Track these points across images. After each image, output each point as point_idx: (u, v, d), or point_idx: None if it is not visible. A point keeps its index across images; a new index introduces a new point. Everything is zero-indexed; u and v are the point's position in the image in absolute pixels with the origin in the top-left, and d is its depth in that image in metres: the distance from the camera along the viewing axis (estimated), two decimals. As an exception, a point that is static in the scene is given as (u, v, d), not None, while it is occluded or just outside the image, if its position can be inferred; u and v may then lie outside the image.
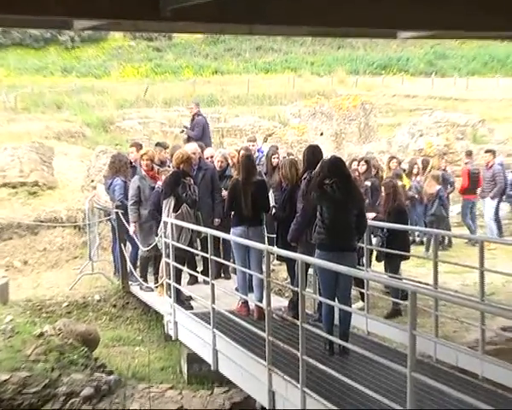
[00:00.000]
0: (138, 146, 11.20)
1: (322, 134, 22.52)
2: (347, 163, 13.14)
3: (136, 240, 9.93)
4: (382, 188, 9.81)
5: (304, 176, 7.39)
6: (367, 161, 12.10)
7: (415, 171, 14.03)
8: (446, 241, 13.24)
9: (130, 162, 10.67)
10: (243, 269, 7.95)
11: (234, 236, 8.07)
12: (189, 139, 13.36)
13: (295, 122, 23.15)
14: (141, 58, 42.93)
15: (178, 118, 23.71)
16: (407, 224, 9.69)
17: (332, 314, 6.64)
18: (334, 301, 6.51)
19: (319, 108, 22.94)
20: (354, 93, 28.35)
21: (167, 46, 45.54)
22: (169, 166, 9.96)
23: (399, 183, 12.65)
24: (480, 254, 6.89)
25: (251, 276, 8.06)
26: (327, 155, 7.56)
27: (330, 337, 6.36)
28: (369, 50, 46.62)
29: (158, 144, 11.63)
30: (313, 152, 7.56)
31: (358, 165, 12.00)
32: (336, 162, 6.76)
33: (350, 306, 6.87)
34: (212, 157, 10.53)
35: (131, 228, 9.92)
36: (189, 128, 13.83)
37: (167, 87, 31.86)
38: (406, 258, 9.38)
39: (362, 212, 6.81)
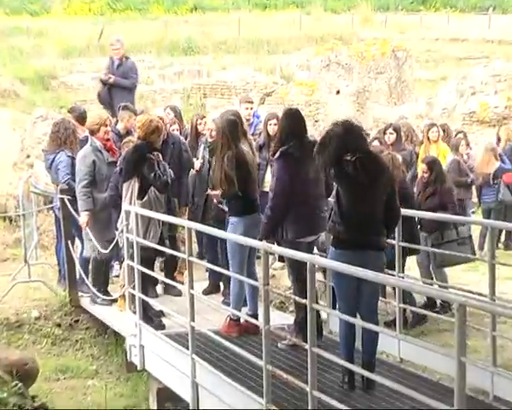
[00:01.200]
0: (77, 111, 11.25)
1: (338, 92, 22.50)
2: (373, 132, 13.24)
3: (90, 236, 9.92)
4: None
5: (277, 154, 7.49)
6: (396, 129, 12.15)
7: (462, 142, 14.04)
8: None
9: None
10: (241, 278, 7.87)
11: (236, 230, 7.99)
12: (110, 92, 13.56)
13: (303, 77, 23.12)
14: (93, -11, 42.76)
15: (145, 70, 23.61)
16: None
17: (352, 335, 6.67)
18: (354, 316, 6.53)
19: (335, 58, 22.90)
20: (382, 37, 28.28)
21: (129, -27, 45.42)
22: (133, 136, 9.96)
23: (456, 158, 12.77)
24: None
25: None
26: (342, 119, 7.38)
27: (350, 366, 6.37)
28: (403, -22, 46.54)
29: (125, 108, 11.59)
30: (292, 118, 7.66)
31: (385, 133, 12.04)
32: (355, 131, 6.75)
33: (377, 323, 6.89)
34: None
35: (83, 219, 9.91)
36: (116, 75, 13.92)
37: (130, 29, 31.63)
38: (414, 253, 9.46)
39: (393, 198, 6.82)
